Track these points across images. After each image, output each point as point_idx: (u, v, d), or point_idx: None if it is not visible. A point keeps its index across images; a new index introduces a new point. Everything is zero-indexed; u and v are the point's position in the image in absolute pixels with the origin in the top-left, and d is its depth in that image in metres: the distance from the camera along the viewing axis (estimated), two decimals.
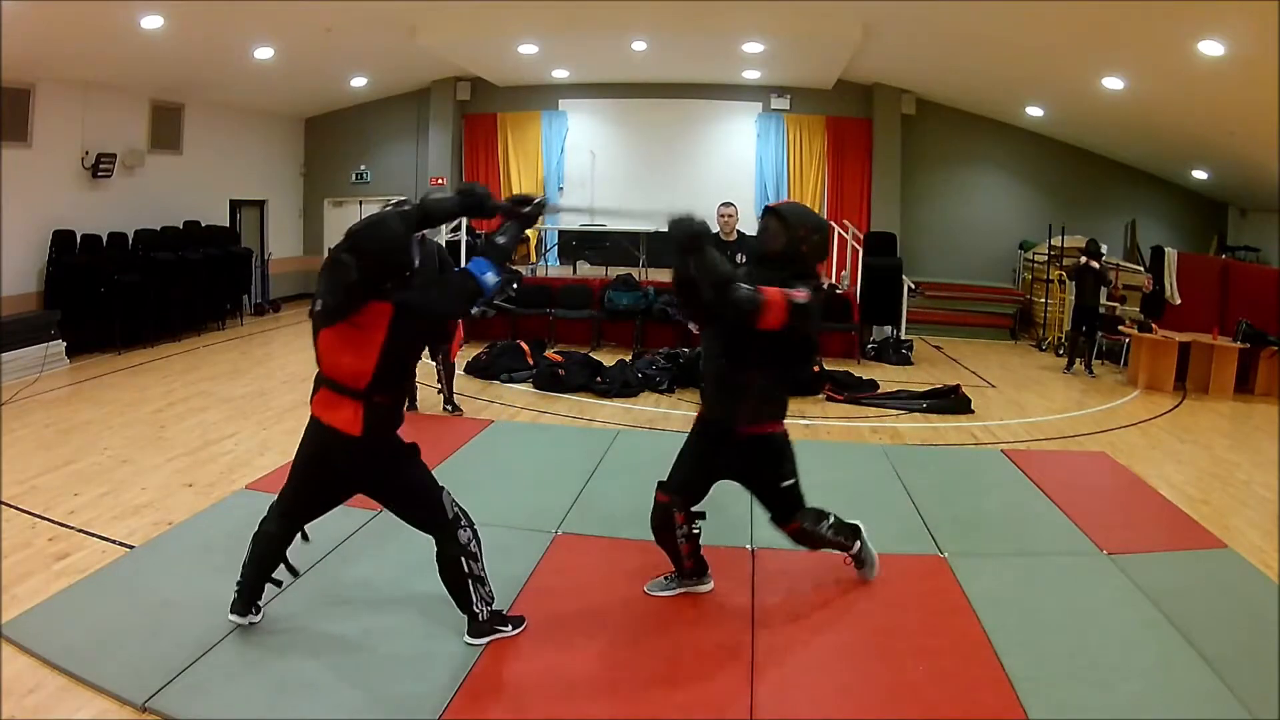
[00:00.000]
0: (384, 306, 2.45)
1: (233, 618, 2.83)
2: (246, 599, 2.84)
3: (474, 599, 2.74)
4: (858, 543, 3.29)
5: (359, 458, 2.59)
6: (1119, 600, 3.29)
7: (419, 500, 2.71)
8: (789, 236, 2.79)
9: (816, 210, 11.38)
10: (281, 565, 2.90)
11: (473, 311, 8.42)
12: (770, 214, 2.86)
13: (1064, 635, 2.98)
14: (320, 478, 2.70)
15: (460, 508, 2.75)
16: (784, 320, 2.61)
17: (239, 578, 2.85)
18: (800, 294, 2.64)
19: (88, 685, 2.54)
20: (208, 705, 2.45)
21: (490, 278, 2.53)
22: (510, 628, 2.86)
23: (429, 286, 2.63)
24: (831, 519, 3.16)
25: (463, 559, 2.70)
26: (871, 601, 3.26)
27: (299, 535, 2.94)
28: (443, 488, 2.74)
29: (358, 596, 3.11)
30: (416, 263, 2.54)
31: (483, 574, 2.76)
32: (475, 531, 2.75)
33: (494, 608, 2.82)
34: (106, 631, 2.81)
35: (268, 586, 2.89)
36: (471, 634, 2.78)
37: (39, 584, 3.18)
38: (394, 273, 2.46)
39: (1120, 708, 2.56)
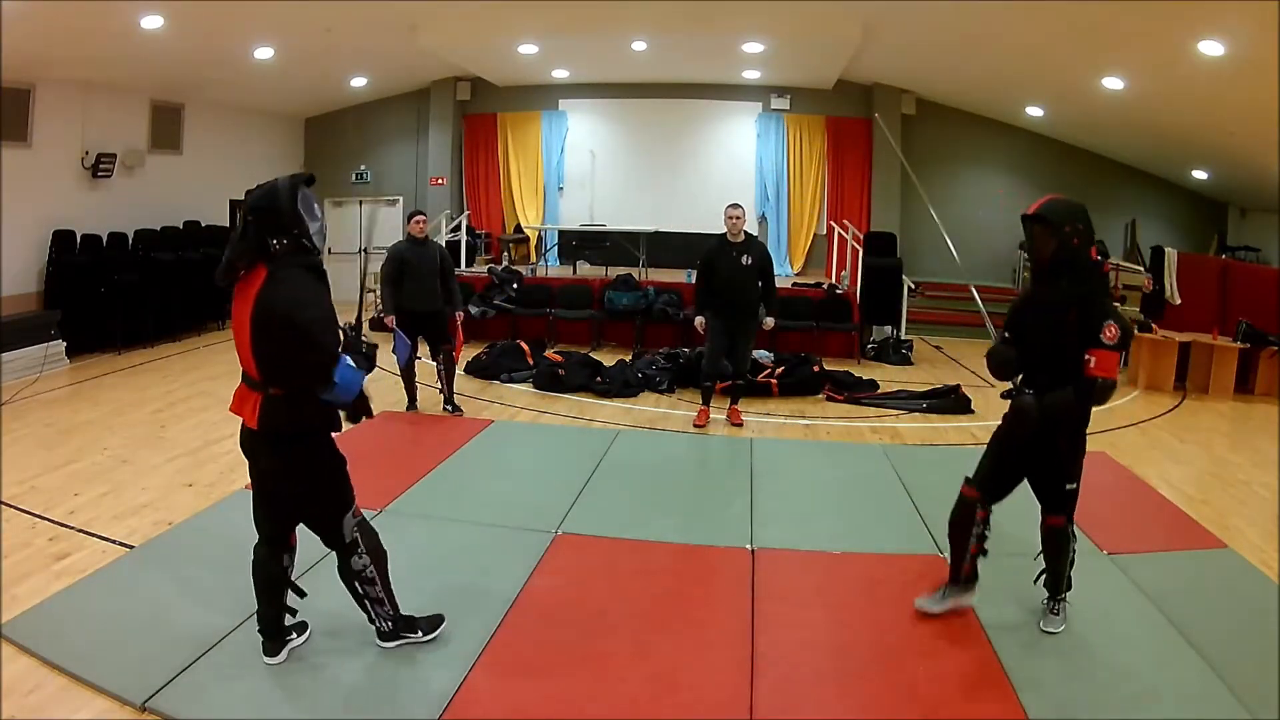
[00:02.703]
0: (260, 270, 2.38)
1: (268, 660, 2.68)
2: (273, 636, 2.71)
3: (373, 616, 2.74)
4: (1064, 599, 3.05)
5: (263, 451, 2.48)
6: (1119, 600, 3.29)
7: (316, 513, 2.59)
8: (1057, 238, 2.68)
9: (816, 210, 11.47)
10: (290, 590, 2.72)
11: (473, 311, 8.49)
12: (1030, 221, 2.73)
13: (1064, 635, 2.98)
14: (253, 481, 2.60)
15: (361, 533, 2.63)
16: (1118, 362, 2.71)
17: (258, 620, 2.71)
18: (1111, 331, 2.65)
19: (88, 685, 2.54)
20: (208, 705, 2.46)
21: (349, 376, 2.36)
22: (420, 634, 2.81)
23: (309, 298, 2.37)
24: (1076, 542, 3.00)
25: (356, 583, 2.66)
26: (871, 601, 3.26)
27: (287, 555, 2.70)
28: (351, 508, 2.61)
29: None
30: (312, 229, 2.42)
31: (381, 595, 2.70)
32: (375, 557, 2.67)
33: (404, 615, 2.79)
34: (106, 631, 2.81)
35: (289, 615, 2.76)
36: (380, 640, 2.79)
37: (39, 584, 3.18)
38: (275, 225, 2.36)
39: (1120, 708, 2.56)
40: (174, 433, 5.41)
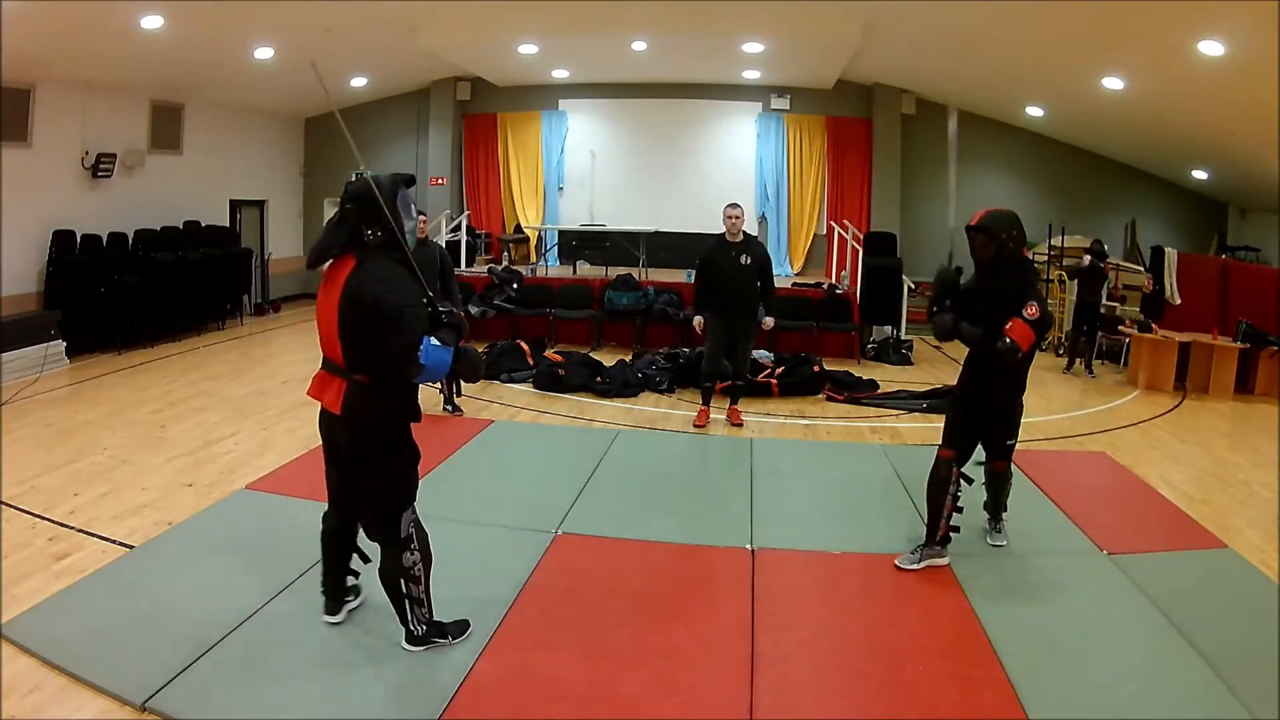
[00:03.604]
0: (349, 259, 2.47)
1: (328, 619, 2.88)
2: (335, 597, 2.89)
3: (409, 618, 2.74)
4: (1003, 520, 3.80)
5: (344, 436, 2.57)
6: (1119, 600, 3.29)
7: (377, 504, 2.64)
8: (996, 243, 3.31)
9: (815, 210, 11.48)
10: (355, 555, 2.89)
11: (473, 311, 8.49)
12: (974, 231, 3.35)
13: (1064, 635, 2.99)
14: (330, 460, 2.73)
15: (416, 529, 2.67)
16: (1033, 340, 3.25)
17: (321, 580, 2.90)
18: (1032, 309, 3.20)
19: (88, 685, 2.54)
20: (208, 705, 2.46)
21: (437, 355, 2.39)
22: (449, 638, 2.81)
23: (398, 285, 2.43)
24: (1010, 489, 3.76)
25: (403, 581, 2.67)
26: (871, 601, 3.26)
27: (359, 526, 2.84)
28: (412, 504, 2.66)
29: None
30: (406, 227, 2.54)
31: (422, 596, 2.73)
32: (424, 556, 2.70)
33: (434, 620, 2.80)
34: (106, 631, 2.81)
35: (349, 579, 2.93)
36: (408, 642, 2.78)
37: (39, 584, 3.18)
38: (373, 216, 2.45)
39: (1120, 708, 2.56)
40: (174, 433, 5.41)
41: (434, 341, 2.37)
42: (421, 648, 2.77)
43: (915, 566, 3.50)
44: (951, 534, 3.51)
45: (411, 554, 2.66)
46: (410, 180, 2.63)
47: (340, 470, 2.70)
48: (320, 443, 2.75)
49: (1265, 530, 4.17)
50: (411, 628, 2.75)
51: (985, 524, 3.84)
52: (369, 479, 2.61)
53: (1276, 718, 2.50)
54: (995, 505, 3.79)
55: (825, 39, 8.63)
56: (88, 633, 2.80)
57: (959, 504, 3.49)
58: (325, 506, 2.84)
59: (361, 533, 2.81)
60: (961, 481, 3.50)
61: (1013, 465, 3.70)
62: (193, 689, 2.52)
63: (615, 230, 10.16)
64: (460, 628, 2.86)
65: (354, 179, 2.55)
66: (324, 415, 2.61)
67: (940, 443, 3.56)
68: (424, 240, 5.76)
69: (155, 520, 3.88)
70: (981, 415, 3.49)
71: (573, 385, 6.92)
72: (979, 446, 3.61)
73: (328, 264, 2.55)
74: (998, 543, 3.77)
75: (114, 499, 4.16)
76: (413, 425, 2.66)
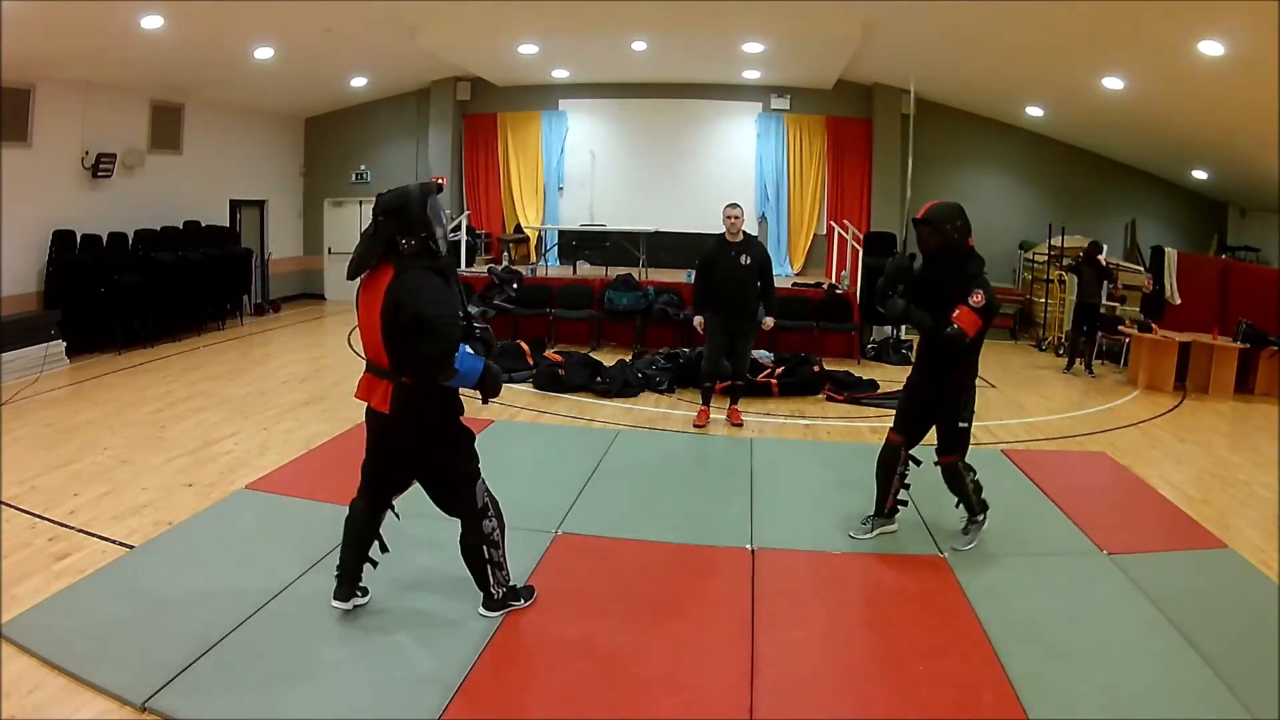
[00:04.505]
0: (388, 269, 2.58)
1: (335, 604, 2.93)
2: (347, 583, 2.94)
3: (490, 581, 2.93)
4: (981, 520, 3.77)
5: (396, 434, 2.71)
6: (1119, 600, 3.29)
7: (450, 487, 2.82)
8: (941, 234, 3.43)
9: (816, 210, 11.48)
10: (376, 545, 2.98)
11: (473, 311, 8.49)
12: (919, 223, 3.48)
13: (1064, 635, 2.98)
14: (374, 455, 2.85)
15: (490, 497, 2.87)
16: (980, 326, 3.37)
17: (338, 564, 2.95)
18: (977, 297, 3.34)
19: (88, 685, 2.54)
20: (208, 705, 2.45)
21: (470, 363, 2.54)
22: (523, 600, 3.05)
23: (435, 295, 2.54)
24: (977, 475, 3.74)
25: (484, 547, 2.86)
26: (871, 601, 3.26)
27: (391, 513, 3.01)
28: (480, 475, 2.85)
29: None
30: (437, 235, 2.64)
31: (501, 560, 2.93)
32: (501, 521, 2.89)
33: (511, 585, 3.00)
34: (106, 631, 2.81)
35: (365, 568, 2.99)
36: (486, 608, 2.97)
37: (39, 584, 3.18)
38: (404, 226, 2.56)
39: (1120, 708, 2.56)
40: (174, 433, 5.41)
41: (468, 350, 2.52)
42: (499, 612, 2.96)
43: (868, 536, 3.82)
44: (900, 506, 3.85)
45: (490, 520, 2.85)
46: (439, 188, 2.75)
47: (387, 462, 2.83)
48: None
49: (1265, 530, 4.17)
50: (492, 590, 2.94)
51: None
52: (437, 466, 2.79)
53: (1276, 718, 2.50)
54: (967, 504, 3.77)
55: (825, 39, 8.63)
56: (88, 633, 2.80)
57: (906, 481, 3.78)
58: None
59: (391, 519, 3.01)
60: (910, 463, 3.77)
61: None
62: (193, 689, 2.52)
63: (615, 230, 10.16)
64: (529, 592, 3.10)
65: (386, 192, 2.67)
66: (371, 414, 2.75)
67: (892, 426, 3.82)
68: None
69: (155, 520, 3.88)
70: (934, 400, 3.63)
71: (573, 385, 6.92)
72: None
73: (366, 273, 2.68)
74: (960, 546, 3.71)
75: (114, 499, 4.16)
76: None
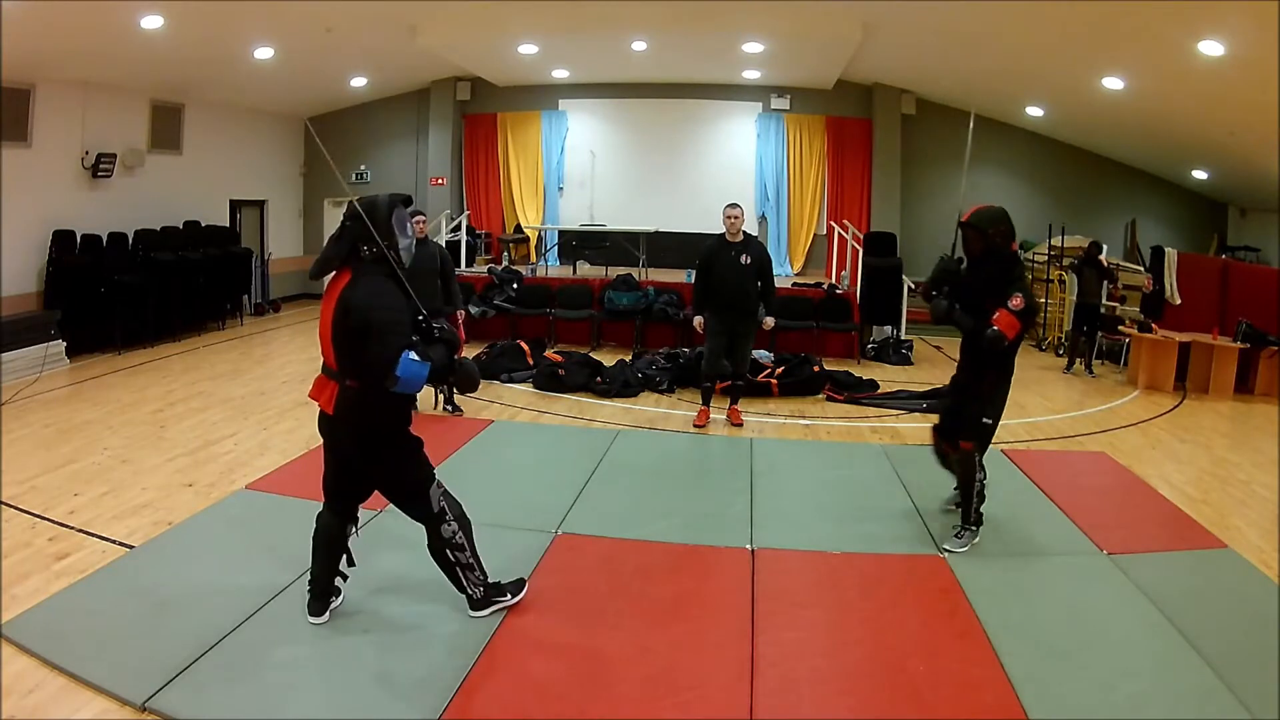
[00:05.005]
0: (346, 273, 2.63)
1: (311, 619, 2.91)
2: (319, 598, 2.93)
3: (464, 583, 2.92)
4: (975, 530, 3.75)
5: (340, 437, 2.74)
6: (1119, 600, 3.29)
7: (402, 493, 2.83)
8: (985, 238, 3.52)
9: (816, 210, 11.48)
10: (344, 557, 2.96)
11: (473, 311, 8.49)
12: (964, 226, 3.57)
13: (1064, 635, 2.98)
14: (329, 459, 2.86)
15: (447, 502, 2.85)
16: (1018, 329, 3.46)
17: (309, 579, 2.94)
18: (1017, 300, 3.41)
19: (88, 685, 2.54)
20: (208, 705, 2.45)
21: (412, 369, 2.49)
22: (509, 596, 3.03)
23: (385, 301, 2.56)
24: (985, 481, 3.74)
25: (447, 550, 2.86)
26: (871, 601, 3.26)
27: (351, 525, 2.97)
28: (434, 480, 2.84)
29: (357, 597, 3.10)
30: (401, 245, 2.68)
31: (471, 561, 2.91)
32: (462, 524, 2.88)
33: (491, 581, 2.99)
34: (106, 631, 2.81)
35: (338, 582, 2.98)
36: (472, 608, 2.96)
37: (39, 584, 3.18)
38: (368, 234, 2.59)
39: (1120, 708, 2.56)
40: (174, 433, 5.41)
41: (412, 356, 2.50)
42: (485, 611, 2.96)
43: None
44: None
45: (449, 524, 2.84)
46: (407, 200, 2.79)
47: (341, 468, 2.84)
48: (321, 442, 2.83)
49: (1265, 530, 4.17)
50: (470, 592, 2.93)
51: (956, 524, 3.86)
52: (384, 472, 2.79)
53: (1276, 718, 2.50)
54: (965, 505, 3.78)
55: (825, 39, 8.63)
56: (88, 633, 2.80)
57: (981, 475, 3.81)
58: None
59: (354, 532, 2.98)
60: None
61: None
62: (193, 689, 2.52)
63: (615, 230, 10.16)
64: (518, 586, 3.07)
65: (360, 199, 2.70)
66: (321, 415, 2.76)
67: (934, 426, 3.98)
68: (424, 240, 5.77)
69: (155, 520, 3.88)
70: (967, 392, 3.73)
71: (573, 385, 6.92)
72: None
73: (330, 275, 2.72)
74: (949, 547, 3.69)
75: (114, 499, 4.16)
76: (413, 425, 2.81)
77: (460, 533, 2.86)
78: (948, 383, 3.87)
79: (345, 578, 2.99)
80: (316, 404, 2.73)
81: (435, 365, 2.56)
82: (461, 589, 2.93)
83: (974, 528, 3.76)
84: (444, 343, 2.67)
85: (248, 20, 7.72)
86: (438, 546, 2.86)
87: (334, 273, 2.70)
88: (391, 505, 2.94)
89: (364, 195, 2.71)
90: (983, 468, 3.72)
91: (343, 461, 2.81)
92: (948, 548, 3.70)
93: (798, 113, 11.38)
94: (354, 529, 2.98)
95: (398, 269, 2.66)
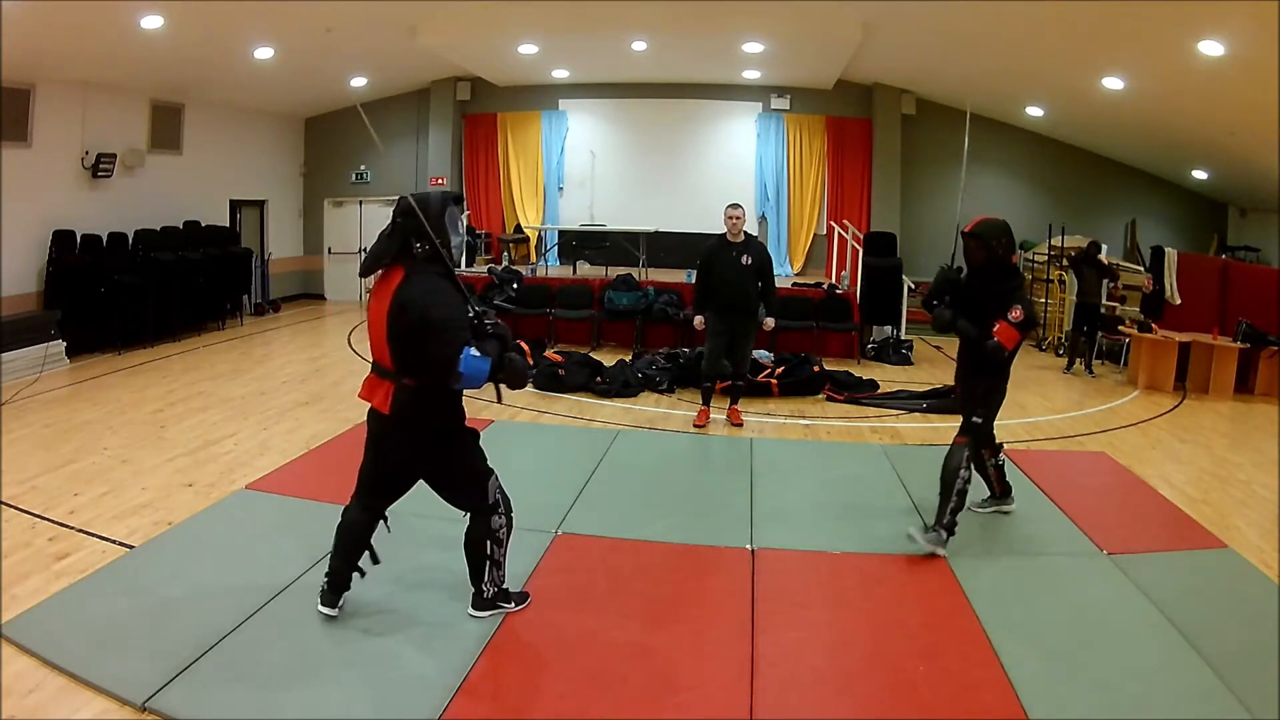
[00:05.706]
0: (399, 270, 2.60)
1: (322, 609, 2.93)
2: (335, 589, 2.94)
3: (485, 578, 2.94)
4: (944, 538, 3.65)
5: (397, 436, 2.71)
6: (1119, 600, 3.29)
7: (461, 484, 2.83)
8: (987, 249, 3.59)
9: (816, 210, 11.48)
10: (366, 554, 2.95)
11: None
12: (967, 237, 3.64)
13: (1064, 635, 2.98)
14: (373, 458, 2.84)
15: (502, 494, 2.88)
16: (1017, 340, 3.57)
17: (327, 570, 2.94)
18: (1016, 312, 3.49)
19: (88, 685, 2.53)
20: (208, 705, 2.45)
21: (475, 365, 2.49)
22: (514, 604, 3.04)
23: (442, 299, 2.55)
24: (969, 482, 3.70)
25: (487, 542, 2.87)
26: (871, 601, 3.26)
27: (382, 523, 2.97)
28: (494, 473, 2.87)
29: (357, 597, 3.10)
30: (453, 243, 2.68)
31: (501, 559, 2.94)
32: (509, 519, 2.90)
33: (503, 588, 3.00)
34: (106, 631, 2.81)
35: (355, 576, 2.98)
36: (475, 607, 2.98)
37: (39, 584, 3.18)
38: (421, 230, 2.57)
39: (1120, 708, 2.56)
40: (174, 433, 5.41)
41: (473, 352, 2.50)
42: (487, 612, 2.97)
43: (985, 511, 4.08)
44: (1008, 486, 4.17)
45: (499, 517, 2.86)
46: (459, 198, 2.78)
47: (389, 467, 2.83)
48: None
49: (1265, 530, 4.17)
50: (484, 588, 2.94)
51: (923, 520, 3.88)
52: (446, 466, 2.79)
53: (1276, 718, 2.50)
54: (942, 500, 3.66)
55: (825, 39, 8.63)
56: (88, 633, 2.80)
57: (1000, 460, 4.11)
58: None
59: (381, 527, 2.97)
60: (994, 447, 4.05)
61: (1010, 463, 3.79)
62: (193, 689, 2.52)
63: (615, 230, 10.15)
64: (522, 598, 3.09)
65: (410, 195, 2.68)
66: (373, 415, 2.75)
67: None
68: None
69: (155, 520, 3.88)
70: (964, 387, 3.87)
71: (573, 385, 6.92)
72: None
73: (379, 273, 2.69)
74: (913, 534, 3.64)
75: (114, 499, 4.16)
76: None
77: (505, 528, 2.88)
78: (948, 383, 3.87)
79: (363, 574, 2.98)
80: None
81: (494, 360, 2.56)
82: (478, 584, 2.93)
83: (943, 533, 3.62)
84: (496, 338, 2.64)
85: (248, 20, 7.72)
86: (478, 537, 2.86)
87: (383, 271, 2.67)
88: (390, 507, 2.93)
89: (415, 192, 2.67)
90: (969, 467, 3.69)
91: (393, 460, 2.79)
92: (912, 534, 3.65)
93: (798, 113, 11.38)
94: (386, 527, 2.98)
95: (450, 266, 2.64)
